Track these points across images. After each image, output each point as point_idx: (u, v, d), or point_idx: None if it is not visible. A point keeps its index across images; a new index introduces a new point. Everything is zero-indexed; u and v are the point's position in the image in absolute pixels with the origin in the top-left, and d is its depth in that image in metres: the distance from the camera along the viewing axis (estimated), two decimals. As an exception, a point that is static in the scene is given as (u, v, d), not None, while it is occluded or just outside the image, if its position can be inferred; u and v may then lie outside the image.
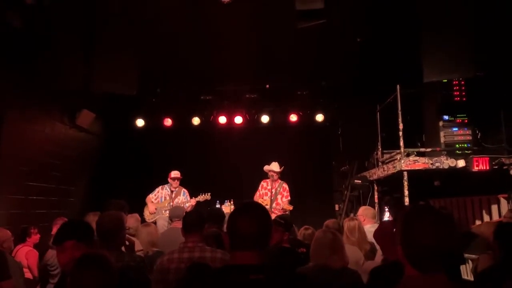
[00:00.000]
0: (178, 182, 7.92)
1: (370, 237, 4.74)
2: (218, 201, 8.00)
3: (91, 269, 2.14)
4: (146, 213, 7.69)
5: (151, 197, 7.90)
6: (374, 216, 5.86)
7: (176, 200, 7.76)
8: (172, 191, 7.85)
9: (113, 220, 2.97)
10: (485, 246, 3.77)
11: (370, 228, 4.91)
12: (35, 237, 5.83)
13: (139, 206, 7.79)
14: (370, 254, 4.43)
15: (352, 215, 8.34)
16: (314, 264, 3.27)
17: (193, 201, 7.77)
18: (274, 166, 7.96)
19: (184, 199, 7.82)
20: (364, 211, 5.68)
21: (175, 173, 7.92)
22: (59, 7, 5.61)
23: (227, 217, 2.92)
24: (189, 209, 7.23)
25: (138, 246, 3.71)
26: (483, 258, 3.70)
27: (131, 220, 5.52)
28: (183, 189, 7.96)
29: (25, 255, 5.51)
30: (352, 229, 4.65)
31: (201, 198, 7.88)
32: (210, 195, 7.91)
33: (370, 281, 2.26)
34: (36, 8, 5.31)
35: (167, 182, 7.97)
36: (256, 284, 1.73)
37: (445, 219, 1.72)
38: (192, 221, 3.39)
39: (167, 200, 7.80)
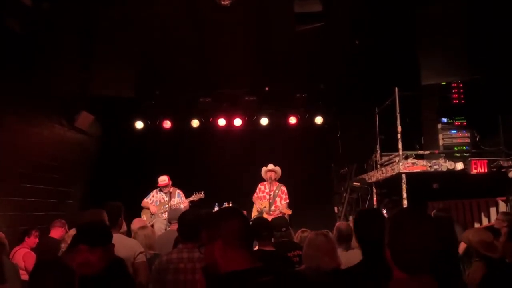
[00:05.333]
0: (168, 188, 7.87)
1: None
2: (216, 204, 7.97)
3: (48, 277, 2.08)
4: (143, 217, 7.65)
5: (147, 201, 7.89)
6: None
7: (171, 202, 7.75)
8: (167, 193, 7.84)
9: None
10: (474, 254, 3.73)
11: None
12: (34, 240, 5.82)
13: (137, 208, 7.79)
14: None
15: (351, 217, 8.33)
16: (306, 266, 3.26)
17: (185, 203, 7.75)
18: (275, 167, 7.88)
19: (179, 200, 7.80)
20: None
21: (161, 181, 7.86)
22: (58, 10, 5.62)
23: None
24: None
25: (139, 247, 3.69)
26: (476, 265, 3.66)
27: (138, 224, 5.51)
28: (178, 190, 7.94)
29: (23, 257, 5.49)
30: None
31: (194, 197, 7.87)
32: (203, 193, 7.89)
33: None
34: (35, 12, 5.32)
35: None
36: (268, 286, 1.72)
37: (430, 220, 1.74)
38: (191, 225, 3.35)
39: (163, 203, 7.79)
